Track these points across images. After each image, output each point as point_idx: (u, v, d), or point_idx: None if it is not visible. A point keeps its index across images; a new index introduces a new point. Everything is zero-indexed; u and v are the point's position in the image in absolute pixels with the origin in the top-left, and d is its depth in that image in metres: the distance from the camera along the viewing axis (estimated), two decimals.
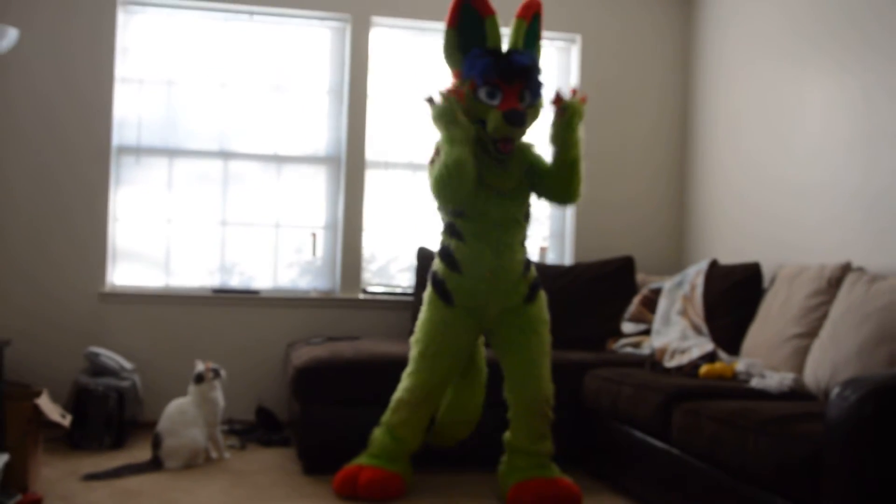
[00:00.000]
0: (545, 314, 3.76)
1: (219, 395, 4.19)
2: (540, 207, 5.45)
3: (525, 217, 3.74)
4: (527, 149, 3.75)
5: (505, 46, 3.62)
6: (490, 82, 3.49)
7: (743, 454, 2.75)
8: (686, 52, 5.57)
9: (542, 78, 3.62)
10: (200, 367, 4.18)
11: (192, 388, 4.14)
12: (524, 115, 3.50)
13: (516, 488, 3.48)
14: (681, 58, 5.58)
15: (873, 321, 3.20)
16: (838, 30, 4.08)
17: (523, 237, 3.74)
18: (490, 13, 3.58)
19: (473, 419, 3.83)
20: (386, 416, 3.67)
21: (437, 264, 3.72)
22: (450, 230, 3.68)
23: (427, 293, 3.71)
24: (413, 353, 3.68)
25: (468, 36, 3.59)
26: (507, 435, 3.67)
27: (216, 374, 4.19)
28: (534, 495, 3.44)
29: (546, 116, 3.66)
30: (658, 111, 5.57)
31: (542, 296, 3.77)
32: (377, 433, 3.67)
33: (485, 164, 3.57)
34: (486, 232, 3.60)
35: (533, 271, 3.75)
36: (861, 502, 2.23)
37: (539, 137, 3.78)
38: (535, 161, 3.73)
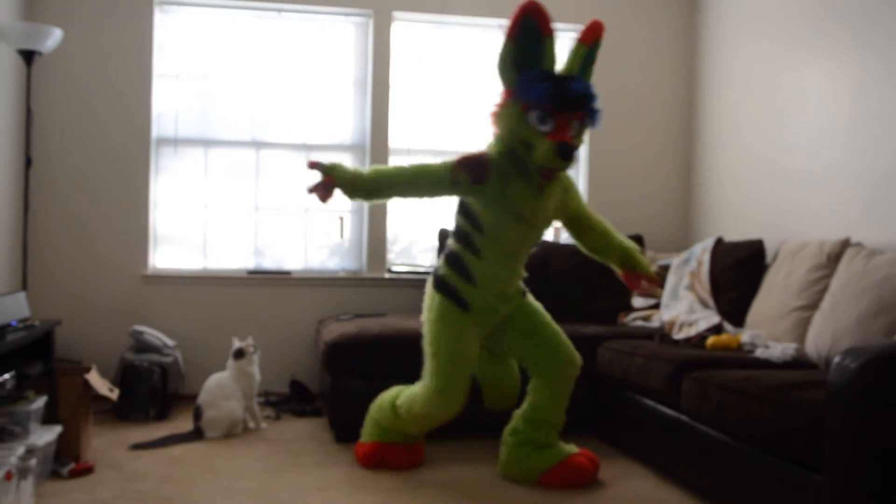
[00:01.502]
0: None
1: (255, 370, 4.22)
2: None
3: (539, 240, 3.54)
4: (566, 180, 3.48)
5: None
6: (543, 108, 3.13)
7: (748, 420, 2.74)
8: (691, 38, 5.51)
9: (597, 106, 3.26)
10: (239, 343, 4.21)
11: (230, 363, 4.17)
12: (575, 149, 3.18)
13: (548, 477, 3.37)
14: (685, 44, 5.52)
15: (871, 293, 3.18)
16: (839, 12, 4.02)
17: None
18: (550, 33, 3.18)
19: (515, 389, 3.71)
20: (403, 412, 3.45)
21: (444, 269, 3.43)
22: (463, 239, 3.39)
23: (436, 300, 3.41)
24: (433, 365, 3.36)
25: (525, 52, 3.18)
26: (532, 413, 3.45)
27: (253, 350, 4.22)
28: (563, 479, 3.35)
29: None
30: (664, 96, 5.52)
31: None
32: (390, 416, 3.51)
33: (520, 189, 3.27)
34: (503, 254, 3.38)
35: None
36: (860, 464, 2.22)
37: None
38: (573, 199, 3.53)
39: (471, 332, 3.39)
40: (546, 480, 3.36)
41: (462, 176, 3.27)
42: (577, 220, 3.56)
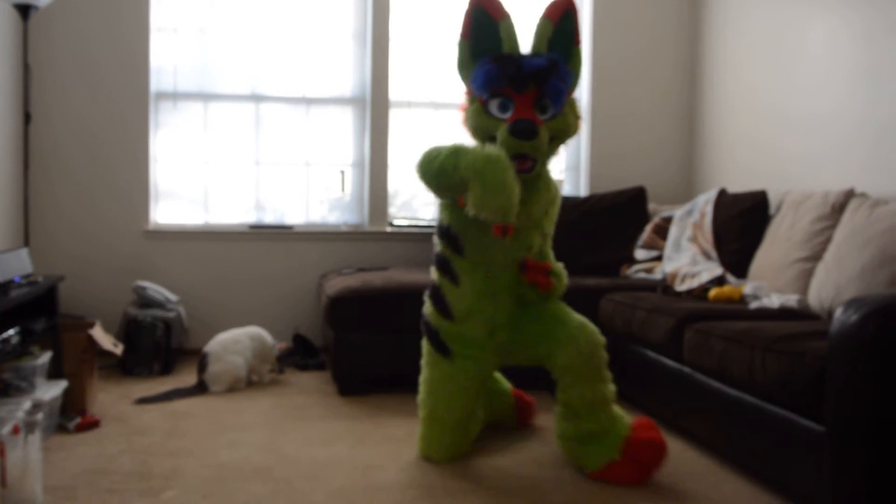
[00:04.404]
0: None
1: (271, 352, 4.34)
2: None
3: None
4: (554, 188, 3.08)
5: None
6: (498, 92, 2.85)
7: (750, 371, 2.75)
8: None
9: (566, 82, 2.90)
10: (277, 343, 4.43)
11: (255, 328, 4.35)
12: (533, 125, 2.79)
13: (608, 472, 2.88)
14: None
15: (875, 244, 3.16)
16: None
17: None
18: (503, 16, 2.92)
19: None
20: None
21: (427, 308, 3.10)
22: (443, 267, 3.03)
23: (424, 345, 3.12)
24: (421, 415, 3.09)
25: (483, 44, 2.93)
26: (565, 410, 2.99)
27: (280, 369, 4.41)
28: (630, 472, 2.86)
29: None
30: (668, 48, 5.46)
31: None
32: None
33: None
34: (485, 278, 2.99)
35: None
36: (862, 415, 2.23)
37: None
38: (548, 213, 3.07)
39: (460, 378, 3.00)
40: (611, 477, 2.87)
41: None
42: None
